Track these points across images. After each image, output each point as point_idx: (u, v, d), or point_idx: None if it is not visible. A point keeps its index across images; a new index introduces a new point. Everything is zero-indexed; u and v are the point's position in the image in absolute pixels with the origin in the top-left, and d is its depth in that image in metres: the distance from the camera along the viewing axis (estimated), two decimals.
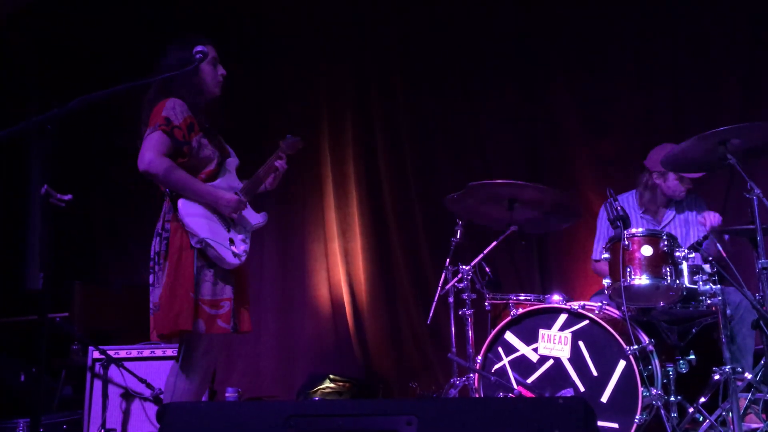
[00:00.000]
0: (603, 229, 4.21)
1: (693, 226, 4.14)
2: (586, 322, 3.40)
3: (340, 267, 5.65)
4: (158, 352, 4.08)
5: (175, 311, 2.87)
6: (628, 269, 3.32)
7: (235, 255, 2.99)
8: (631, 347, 3.25)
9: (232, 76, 5.97)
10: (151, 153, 2.91)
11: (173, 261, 2.92)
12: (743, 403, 3.24)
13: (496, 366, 3.52)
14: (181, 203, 2.94)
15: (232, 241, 3.01)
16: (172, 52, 3.06)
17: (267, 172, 3.28)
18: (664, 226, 4.13)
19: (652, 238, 3.37)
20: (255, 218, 3.22)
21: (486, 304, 3.78)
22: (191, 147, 2.99)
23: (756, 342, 3.69)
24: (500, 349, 3.54)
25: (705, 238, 3.44)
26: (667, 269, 3.31)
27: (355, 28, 5.88)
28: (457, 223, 4.07)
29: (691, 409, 3.36)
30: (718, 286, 3.27)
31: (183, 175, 2.95)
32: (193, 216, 2.94)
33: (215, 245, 2.92)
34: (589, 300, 3.92)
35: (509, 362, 3.50)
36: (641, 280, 3.32)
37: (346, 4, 5.91)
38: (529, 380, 3.44)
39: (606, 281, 3.42)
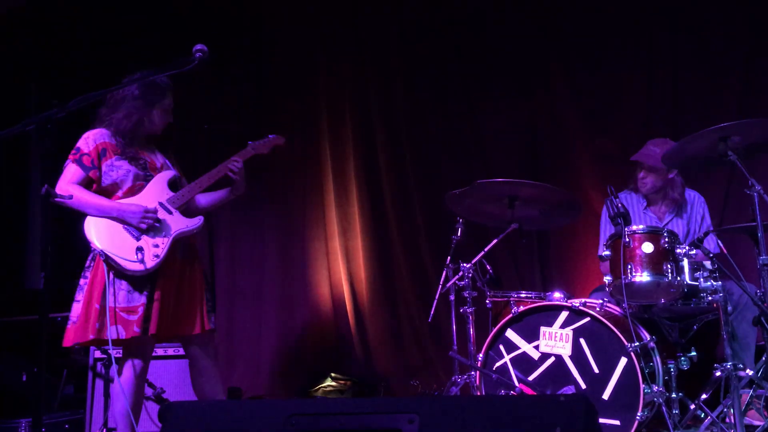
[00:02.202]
0: (604, 225, 4.22)
1: (693, 225, 4.13)
2: (588, 319, 3.40)
3: (341, 265, 5.65)
4: (159, 352, 4.08)
5: (88, 322, 3.12)
6: (629, 266, 3.32)
7: (140, 262, 3.14)
8: (633, 344, 3.25)
9: (232, 75, 6.01)
10: (59, 183, 3.20)
11: (91, 276, 3.17)
12: (745, 400, 3.24)
13: (498, 364, 3.52)
14: (86, 221, 3.16)
15: (140, 249, 3.16)
16: (135, 84, 3.26)
17: (207, 180, 3.39)
18: (667, 223, 4.13)
19: (652, 235, 3.37)
20: (181, 223, 3.30)
21: (487, 301, 3.78)
22: (101, 171, 3.23)
23: (757, 338, 3.69)
24: (501, 347, 3.53)
25: (706, 234, 3.44)
26: (668, 266, 3.31)
27: (355, 25, 5.88)
28: (458, 221, 4.07)
29: (692, 406, 3.36)
30: (719, 282, 3.27)
31: (87, 197, 3.17)
32: (96, 231, 3.15)
33: (113, 256, 3.11)
34: (589, 296, 3.92)
35: (510, 360, 3.50)
36: (642, 277, 3.32)
37: (345, 1, 5.90)
38: (531, 378, 3.44)
39: (607, 278, 3.42)
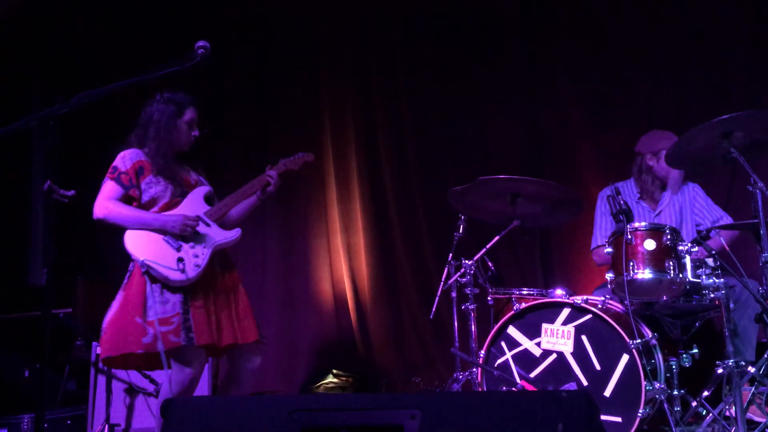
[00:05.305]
0: (600, 218, 4.22)
1: (687, 212, 4.13)
2: (589, 316, 3.40)
3: (343, 262, 5.65)
4: None
5: (124, 335, 3.12)
6: (631, 263, 3.31)
7: (182, 272, 3.17)
8: (634, 341, 3.25)
9: (233, 73, 6.00)
10: (99, 200, 3.27)
11: (126, 290, 3.20)
12: (746, 397, 3.24)
13: (499, 360, 3.52)
14: (126, 234, 3.21)
15: (181, 260, 3.19)
16: (157, 104, 3.38)
17: (243, 194, 3.47)
18: (659, 213, 4.13)
19: (655, 232, 3.37)
20: (219, 235, 3.35)
21: (489, 298, 3.77)
22: (140, 189, 3.30)
23: (759, 335, 3.69)
24: (503, 344, 3.54)
25: (708, 231, 3.44)
26: (671, 263, 3.30)
27: (357, 23, 5.87)
28: (460, 217, 4.06)
29: (694, 403, 3.36)
30: (722, 279, 3.26)
31: (126, 211, 3.24)
32: (136, 243, 3.20)
33: (156, 266, 3.14)
34: (592, 294, 3.92)
35: (512, 356, 3.50)
36: (644, 274, 3.31)
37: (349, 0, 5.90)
38: (532, 375, 3.44)
39: (609, 275, 3.42)
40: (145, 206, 3.30)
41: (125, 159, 3.31)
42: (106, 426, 3.95)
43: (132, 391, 4.03)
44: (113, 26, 5.93)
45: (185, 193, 3.38)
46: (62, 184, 2.74)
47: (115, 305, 3.20)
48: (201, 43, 2.95)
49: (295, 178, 5.72)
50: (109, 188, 3.27)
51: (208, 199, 3.44)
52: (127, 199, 3.28)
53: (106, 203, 3.24)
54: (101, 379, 4.04)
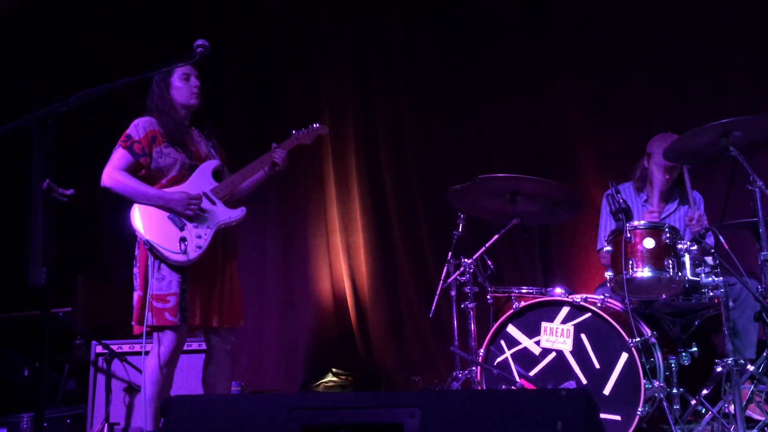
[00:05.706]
0: (606, 219, 4.23)
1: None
2: (589, 314, 3.40)
3: (343, 261, 5.66)
4: None
5: (138, 310, 3.21)
6: (631, 262, 3.31)
7: (183, 253, 3.19)
8: (634, 339, 3.25)
9: (233, 73, 6.00)
10: (108, 168, 3.28)
11: (141, 264, 3.24)
12: (746, 395, 3.24)
13: (499, 359, 3.53)
14: (133, 209, 3.23)
15: (183, 240, 3.21)
16: (155, 77, 3.41)
17: (251, 170, 3.49)
18: (665, 218, 4.14)
19: (654, 230, 3.37)
20: (224, 215, 3.36)
21: (488, 297, 3.78)
22: (151, 158, 3.29)
23: (759, 334, 3.69)
24: (502, 342, 3.54)
25: (707, 230, 3.44)
26: (670, 261, 3.30)
27: (357, 23, 5.87)
28: (459, 216, 4.07)
29: (693, 401, 3.36)
30: (721, 278, 3.27)
31: (134, 184, 3.25)
32: (141, 219, 3.21)
33: (157, 246, 3.17)
34: (594, 292, 3.92)
35: (511, 355, 3.51)
36: (643, 272, 3.31)
37: None
38: (532, 373, 3.44)
39: (608, 274, 3.42)
40: (153, 175, 3.30)
41: (138, 127, 3.32)
42: (106, 425, 3.95)
43: (131, 389, 4.03)
44: (113, 26, 5.94)
45: (194, 166, 3.38)
46: (62, 183, 2.75)
47: (136, 281, 3.25)
48: (200, 41, 2.95)
49: (295, 175, 5.80)
50: (119, 157, 3.28)
51: (216, 174, 3.43)
52: (136, 167, 3.28)
53: (115, 173, 3.25)
54: (101, 379, 4.04)
